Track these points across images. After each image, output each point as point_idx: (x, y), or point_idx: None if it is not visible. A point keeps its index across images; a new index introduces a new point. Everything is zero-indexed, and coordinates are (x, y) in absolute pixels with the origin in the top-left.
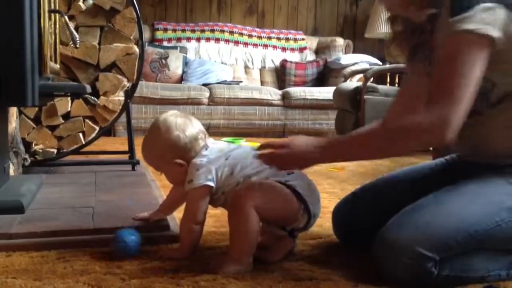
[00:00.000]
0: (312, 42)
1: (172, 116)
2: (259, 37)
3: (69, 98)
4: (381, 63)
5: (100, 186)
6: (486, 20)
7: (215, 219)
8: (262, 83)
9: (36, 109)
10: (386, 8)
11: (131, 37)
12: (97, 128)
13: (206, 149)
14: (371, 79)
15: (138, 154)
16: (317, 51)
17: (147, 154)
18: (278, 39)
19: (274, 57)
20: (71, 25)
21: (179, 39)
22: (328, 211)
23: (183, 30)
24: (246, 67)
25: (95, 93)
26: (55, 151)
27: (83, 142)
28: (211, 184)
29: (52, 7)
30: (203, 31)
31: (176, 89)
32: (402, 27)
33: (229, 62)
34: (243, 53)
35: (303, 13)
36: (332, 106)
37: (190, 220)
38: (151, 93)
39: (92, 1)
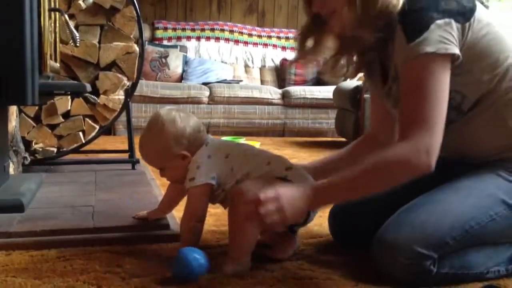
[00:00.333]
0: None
1: (173, 110)
2: (259, 36)
3: (69, 97)
4: None
5: (100, 185)
6: (444, 38)
7: (216, 218)
8: (262, 82)
9: (36, 108)
10: (337, 30)
11: (131, 36)
12: (97, 127)
13: (206, 145)
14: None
15: (138, 153)
16: None
17: (149, 150)
18: (278, 38)
19: (274, 56)
20: (71, 24)
21: (179, 38)
22: (328, 210)
23: (183, 29)
24: (246, 66)
25: (95, 92)
26: (55, 150)
27: (83, 141)
28: (213, 182)
29: (52, 5)
30: (203, 30)
31: (176, 88)
32: (353, 47)
33: (229, 61)
34: (243, 52)
35: (303, 12)
36: (332, 105)
37: (191, 218)
38: (151, 92)
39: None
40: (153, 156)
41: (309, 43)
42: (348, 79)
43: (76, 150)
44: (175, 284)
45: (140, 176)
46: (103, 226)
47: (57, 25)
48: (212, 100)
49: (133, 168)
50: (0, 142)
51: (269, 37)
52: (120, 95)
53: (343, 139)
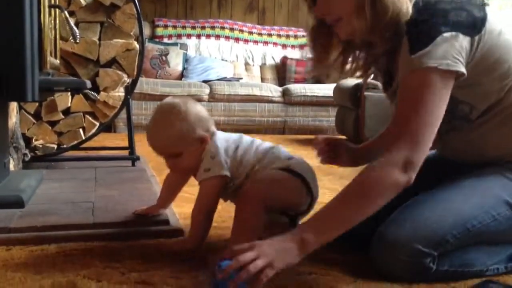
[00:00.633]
0: None
1: (183, 97)
2: (260, 34)
3: (69, 93)
4: None
5: (100, 181)
6: (448, 53)
7: (217, 214)
8: (263, 80)
9: (36, 104)
10: (344, 36)
11: (131, 33)
12: (97, 124)
13: (215, 135)
14: (371, 76)
15: (138, 150)
16: None
17: (169, 134)
18: (279, 36)
19: (274, 54)
20: (71, 21)
21: (179, 36)
22: None
23: (184, 27)
24: (246, 64)
25: (95, 88)
26: (55, 146)
27: (83, 138)
28: (228, 174)
29: (52, 2)
30: (203, 28)
31: (176, 85)
32: (362, 52)
33: (230, 59)
34: (243, 50)
35: (304, 10)
36: (332, 103)
37: (203, 210)
38: (152, 90)
39: None
40: (174, 139)
41: (319, 45)
42: (356, 77)
43: (76, 147)
44: (174, 278)
45: (140, 173)
46: (103, 221)
47: (57, 21)
48: (213, 97)
49: (133, 165)
50: (1, 138)
51: (270, 35)
52: (120, 92)
53: (344, 137)
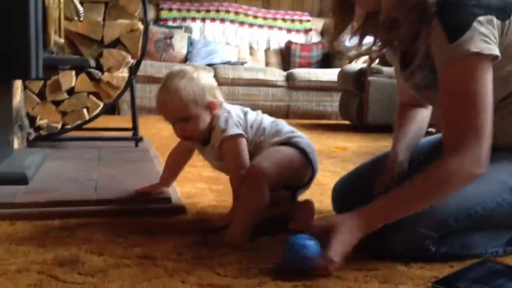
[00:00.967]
0: (317, 24)
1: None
2: (265, 18)
3: (73, 73)
4: None
5: (103, 160)
6: (486, 37)
7: (217, 194)
8: (267, 64)
9: (41, 84)
10: (370, 7)
11: (136, 14)
12: (101, 104)
13: (223, 104)
14: (376, 61)
15: (142, 132)
16: (323, 33)
17: (182, 96)
18: (284, 20)
19: (279, 39)
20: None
21: (184, 19)
22: (329, 188)
23: (188, 10)
24: (251, 48)
25: (99, 69)
26: (59, 126)
27: (87, 118)
28: (245, 135)
29: None
30: (208, 11)
31: None
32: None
33: (234, 43)
34: (248, 34)
35: None
36: (336, 88)
37: (239, 171)
38: (156, 72)
39: None
40: (186, 102)
41: (340, 15)
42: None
43: (80, 127)
44: (175, 253)
45: (143, 153)
46: (105, 198)
47: (62, 1)
48: (217, 81)
49: (136, 145)
50: (5, 116)
51: (274, 19)
52: (124, 73)
53: (347, 122)
